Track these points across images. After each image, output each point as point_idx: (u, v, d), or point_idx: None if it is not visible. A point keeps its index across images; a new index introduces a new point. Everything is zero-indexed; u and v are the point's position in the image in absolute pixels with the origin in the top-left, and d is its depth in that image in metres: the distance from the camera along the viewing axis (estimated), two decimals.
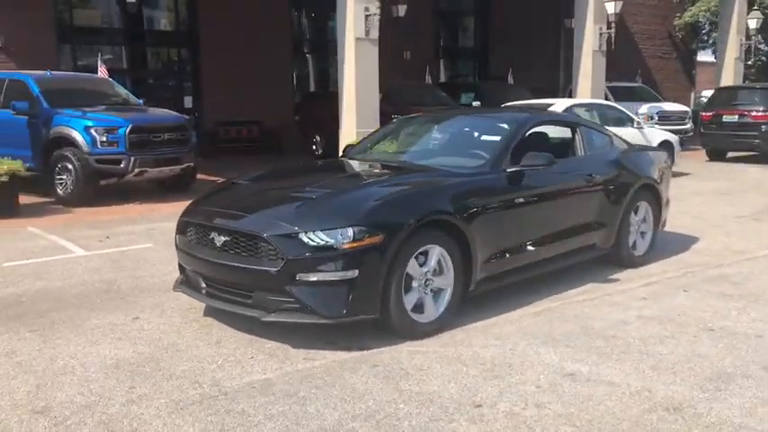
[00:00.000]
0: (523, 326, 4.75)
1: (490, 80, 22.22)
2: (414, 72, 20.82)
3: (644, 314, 5.02)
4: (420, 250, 4.45)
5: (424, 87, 17.72)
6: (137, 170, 10.62)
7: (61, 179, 10.58)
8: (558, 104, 12.34)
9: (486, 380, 3.86)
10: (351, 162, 5.99)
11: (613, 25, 17.44)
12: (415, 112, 15.82)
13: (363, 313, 4.24)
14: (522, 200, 5.20)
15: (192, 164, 11.43)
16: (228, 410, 3.48)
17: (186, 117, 12.23)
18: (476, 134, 5.83)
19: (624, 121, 13.23)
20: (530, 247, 5.32)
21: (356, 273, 4.13)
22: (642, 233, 6.57)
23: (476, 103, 16.96)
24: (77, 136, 10.46)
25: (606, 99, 16.83)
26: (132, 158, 10.51)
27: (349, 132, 13.72)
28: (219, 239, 4.44)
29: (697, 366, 4.05)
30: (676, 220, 8.05)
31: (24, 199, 10.08)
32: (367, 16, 13.64)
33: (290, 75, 19.85)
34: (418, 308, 4.54)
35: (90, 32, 17.06)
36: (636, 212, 6.43)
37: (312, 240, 4.13)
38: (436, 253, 4.54)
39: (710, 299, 5.41)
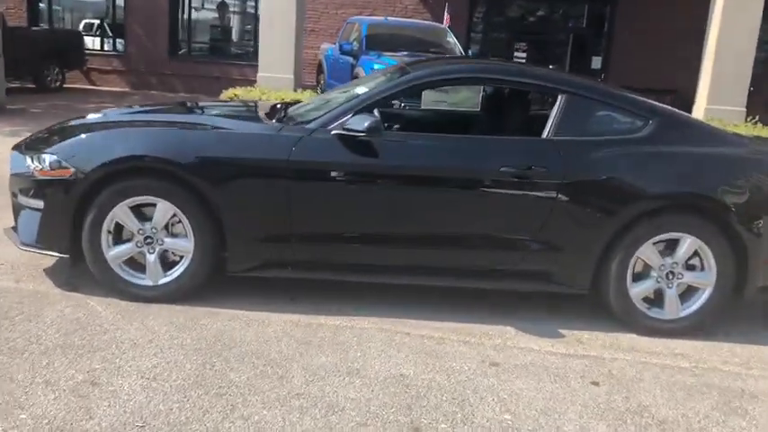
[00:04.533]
0: (242, 327, 3.64)
1: None
2: None
3: (436, 379, 3.27)
4: (138, 200, 3.82)
5: None
6: None
7: None
8: None
9: (48, 346, 3.26)
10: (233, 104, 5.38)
11: None
12: None
13: (52, 249, 3.92)
14: (353, 176, 3.84)
15: None
16: None
17: None
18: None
19: None
20: (366, 243, 3.91)
21: (42, 204, 3.85)
22: (687, 287, 3.99)
23: None
24: (363, 75, 11.18)
25: None
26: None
27: (699, 107, 11.09)
28: None
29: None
30: None
31: None
32: None
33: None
34: (139, 267, 3.93)
35: None
36: (669, 250, 3.94)
37: (23, 161, 3.99)
38: (163, 209, 3.81)
39: (585, 399, 3.14)
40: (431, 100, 5.27)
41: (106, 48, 17.74)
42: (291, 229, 3.85)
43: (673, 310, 3.97)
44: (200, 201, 3.78)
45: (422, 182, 3.85)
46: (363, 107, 3.88)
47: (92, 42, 17.62)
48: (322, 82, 14.13)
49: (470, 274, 3.99)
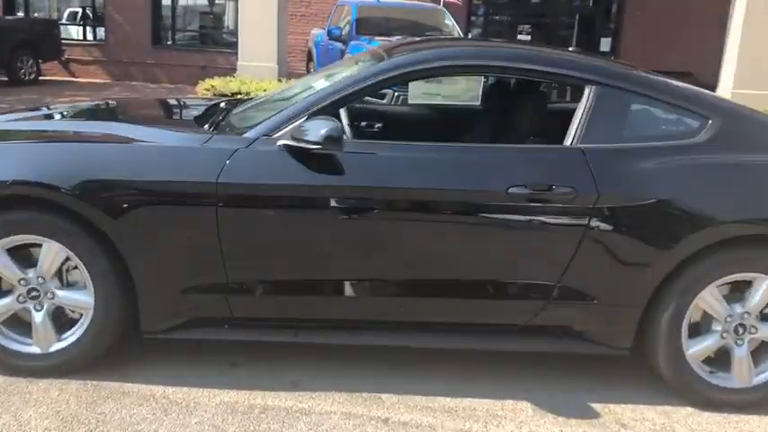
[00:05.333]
0: (156, 415, 2.63)
1: None
2: None
3: None
4: (18, 241, 2.80)
5: None
6: None
7: None
8: None
9: None
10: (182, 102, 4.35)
11: None
12: None
13: None
14: (306, 203, 2.81)
15: None
16: None
17: None
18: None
19: None
20: (328, 293, 2.90)
21: None
22: (761, 344, 2.97)
23: None
24: None
25: None
26: None
27: (723, 92, 9.97)
28: None
29: None
30: None
31: None
32: None
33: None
34: (26, 328, 2.92)
35: None
36: (738, 295, 2.91)
37: None
38: (51, 252, 2.80)
39: None
40: (420, 92, 4.24)
41: (86, 37, 16.67)
42: (226, 275, 2.83)
43: (743, 375, 2.94)
44: (99, 240, 2.77)
45: (400, 209, 2.82)
46: (320, 108, 2.84)
47: (75, 32, 16.61)
48: (312, 70, 13.11)
49: (470, 333, 2.97)
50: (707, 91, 3.13)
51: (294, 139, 2.72)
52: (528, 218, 2.80)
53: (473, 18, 16.01)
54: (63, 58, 15.33)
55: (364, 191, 2.78)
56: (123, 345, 2.97)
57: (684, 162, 2.88)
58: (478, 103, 4.28)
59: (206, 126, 3.14)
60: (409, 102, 4.50)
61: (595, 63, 3.09)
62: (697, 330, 2.96)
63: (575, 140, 2.89)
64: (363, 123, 4.08)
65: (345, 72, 3.13)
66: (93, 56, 16.28)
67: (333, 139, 2.64)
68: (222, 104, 3.75)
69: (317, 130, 2.65)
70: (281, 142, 2.78)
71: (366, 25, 10.86)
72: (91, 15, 16.61)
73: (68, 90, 13.49)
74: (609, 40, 15.90)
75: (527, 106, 3.29)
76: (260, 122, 2.90)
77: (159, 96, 13.13)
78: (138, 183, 2.74)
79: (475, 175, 2.81)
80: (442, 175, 2.81)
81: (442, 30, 11.14)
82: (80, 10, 16.79)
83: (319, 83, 3.17)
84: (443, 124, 3.91)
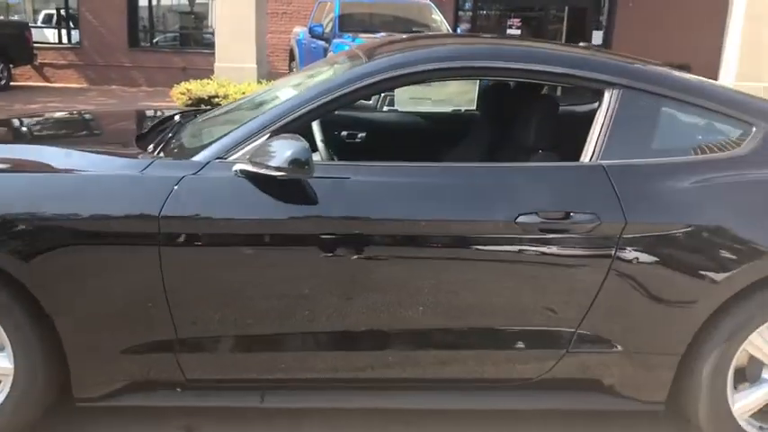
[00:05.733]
0: None
1: None
2: None
3: None
4: None
5: None
6: None
7: None
8: None
9: None
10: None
11: None
12: None
13: None
14: (271, 240, 2.29)
15: None
16: None
17: None
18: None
19: None
20: (298, 348, 2.38)
21: None
22: None
23: None
24: None
25: None
26: None
27: (726, 82, 9.53)
28: None
29: None
30: None
31: None
32: None
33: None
34: None
35: None
36: None
37: None
38: None
39: None
40: (407, 98, 3.74)
41: (61, 40, 16.05)
42: (174, 330, 2.31)
43: None
44: (17, 293, 2.24)
45: (384, 245, 2.30)
46: (284, 125, 2.32)
47: (50, 35, 15.99)
48: (295, 70, 12.60)
49: (473, 390, 2.46)
50: (747, 93, 2.64)
51: (253, 163, 2.21)
52: (541, 252, 2.30)
53: (460, 13, 15.51)
54: (35, 63, 14.71)
55: (340, 224, 2.27)
56: (53, 408, 2.45)
57: (726, 179, 2.39)
58: (474, 107, 3.78)
59: (150, 147, 2.61)
60: (396, 108, 3.98)
61: (615, 61, 2.59)
62: (743, 378, 2.47)
63: (594, 156, 2.40)
64: (344, 133, 3.60)
65: (317, 78, 2.61)
66: (67, 60, 15.67)
67: (300, 163, 2.13)
68: (176, 117, 3.22)
69: (281, 152, 2.14)
70: (237, 167, 2.27)
71: (349, 22, 10.38)
72: (65, 17, 16.00)
73: (41, 96, 12.91)
74: (601, 33, 15.42)
75: (534, 114, 2.78)
76: (213, 142, 2.38)
77: (137, 101, 12.58)
78: (61, 220, 2.22)
79: (476, 203, 2.30)
80: (434, 202, 2.30)
81: (429, 25, 10.65)
82: (54, 12, 16.17)
83: (286, 91, 2.65)
84: (435, 134, 3.41)
